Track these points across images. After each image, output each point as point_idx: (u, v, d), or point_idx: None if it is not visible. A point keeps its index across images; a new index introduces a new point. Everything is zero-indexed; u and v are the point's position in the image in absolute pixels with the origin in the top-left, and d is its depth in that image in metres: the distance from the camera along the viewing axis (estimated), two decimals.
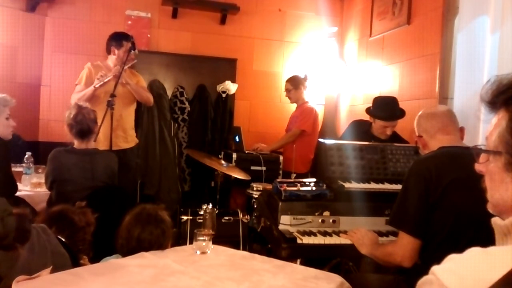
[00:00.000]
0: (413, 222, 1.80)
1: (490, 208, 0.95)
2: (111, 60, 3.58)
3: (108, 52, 3.62)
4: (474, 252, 0.74)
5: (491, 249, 0.75)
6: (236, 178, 3.54)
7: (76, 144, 2.77)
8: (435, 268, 0.75)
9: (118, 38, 3.55)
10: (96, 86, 3.34)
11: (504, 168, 0.88)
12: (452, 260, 0.75)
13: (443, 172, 1.79)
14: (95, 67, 3.54)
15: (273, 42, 4.89)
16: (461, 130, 2.02)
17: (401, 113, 3.04)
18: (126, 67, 3.45)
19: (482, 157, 0.95)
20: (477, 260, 0.73)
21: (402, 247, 1.82)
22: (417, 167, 1.88)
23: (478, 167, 0.97)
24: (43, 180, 2.82)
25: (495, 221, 0.87)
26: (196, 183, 4.52)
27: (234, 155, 4.04)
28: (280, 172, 4.08)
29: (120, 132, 3.53)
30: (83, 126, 2.73)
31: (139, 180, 4.05)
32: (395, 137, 3.06)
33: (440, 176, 1.78)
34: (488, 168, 0.93)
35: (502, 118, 0.88)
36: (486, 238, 0.91)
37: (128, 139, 3.63)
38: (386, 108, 3.04)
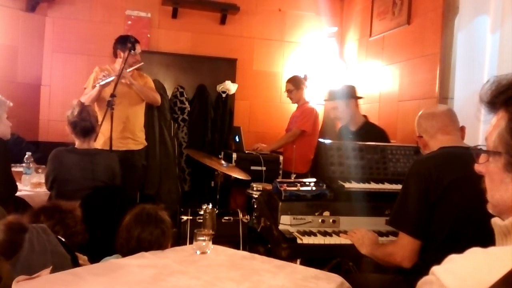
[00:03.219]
0: (413, 222, 1.80)
1: (490, 209, 0.95)
2: (118, 63, 3.59)
3: (115, 55, 3.65)
4: (474, 253, 0.74)
5: (491, 249, 0.75)
6: (236, 178, 3.54)
7: (78, 144, 2.76)
8: (435, 269, 0.75)
9: (123, 41, 3.56)
10: (97, 84, 3.35)
11: (504, 169, 0.88)
12: (452, 261, 0.75)
13: (443, 172, 1.79)
14: (103, 71, 3.54)
15: (273, 42, 4.89)
16: (462, 129, 2.01)
17: (336, 95, 3.10)
18: (131, 69, 3.46)
19: (482, 157, 0.95)
20: (477, 261, 0.73)
21: (402, 248, 1.82)
22: (417, 167, 1.88)
23: (477, 167, 0.97)
24: (43, 180, 2.81)
25: (495, 221, 0.87)
26: (196, 183, 4.52)
27: (234, 155, 4.04)
28: (280, 172, 4.08)
29: (127, 133, 3.54)
30: (87, 123, 2.72)
31: (142, 181, 4.05)
32: (370, 128, 3.10)
33: (440, 176, 1.78)
34: (488, 168, 0.93)
35: (502, 118, 0.88)
36: (487, 238, 0.91)
37: (137, 141, 3.64)
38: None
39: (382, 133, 3.08)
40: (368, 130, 3.00)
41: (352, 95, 3.10)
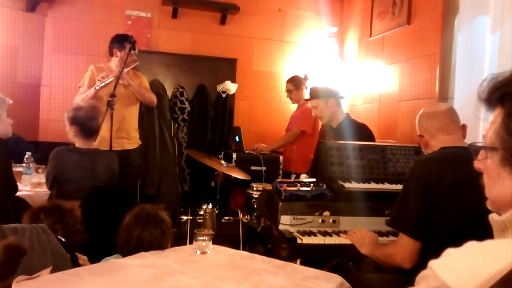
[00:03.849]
0: (413, 224, 1.80)
1: (489, 205, 0.95)
2: (114, 62, 3.59)
3: (111, 54, 3.63)
4: (470, 246, 0.74)
5: (487, 242, 0.75)
6: (236, 178, 3.54)
7: (79, 143, 2.76)
8: (432, 263, 0.75)
9: (120, 40, 3.55)
10: (97, 87, 3.35)
11: (500, 163, 0.88)
12: (449, 254, 0.75)
13: (444, 173, 1.78)
14: (98, 69, 3.54)
15: (273, 42, 4.89)
16: (463, 127, 2.00)
17: (315, 94, 3.15)
18: (128, 68, 3.46)
19: (481, 154, 0.96)
20: (474, 254, 0.73)
21: (402, 249, 1.81)
22: (418, 168, 1.87)
23: (477, 164, 0.97)
24: (43, 180, 2.81)
25: (492, 217, 0.88)
26: (196, 183, 4.52)
27: (234, 155, 4.04)
28: (280, 172, 4.08)
29: (122, 133, 3.53)
30: (93, 124, 2.73)
31: (139, 180, 4.05)
32: (349, 123, 3.11)
33: (441, 177, 1.77)
34: (485, 165, 0.93)
35: (498, 115, 0.88)
36: (487, 239, 0.91)
37: (131, 140, 3.63)
38: None
39: (362, 127, 3.09)
40: (347, 125, 3.03)
41: (331, 94, 3.12)
